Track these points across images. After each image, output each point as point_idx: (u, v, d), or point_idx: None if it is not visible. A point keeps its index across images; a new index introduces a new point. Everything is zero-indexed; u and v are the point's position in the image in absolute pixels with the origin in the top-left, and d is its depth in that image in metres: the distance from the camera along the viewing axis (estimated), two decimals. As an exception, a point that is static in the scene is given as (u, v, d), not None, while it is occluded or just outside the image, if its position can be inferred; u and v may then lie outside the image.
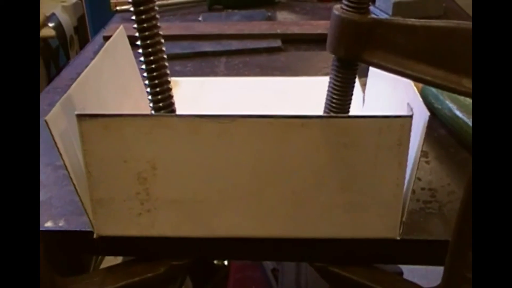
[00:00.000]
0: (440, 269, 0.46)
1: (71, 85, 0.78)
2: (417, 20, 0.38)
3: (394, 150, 0.43)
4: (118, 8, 1.06)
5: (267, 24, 0.97)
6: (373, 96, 0.62)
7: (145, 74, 0.48)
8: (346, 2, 0.41)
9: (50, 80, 1.55)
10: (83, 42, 1.77)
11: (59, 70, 1.57)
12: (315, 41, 0.91)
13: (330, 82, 0.46)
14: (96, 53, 0.91)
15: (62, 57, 1.61)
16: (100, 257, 1.05)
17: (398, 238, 0.46)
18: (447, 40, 0.38)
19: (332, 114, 0.46)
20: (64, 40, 1.59)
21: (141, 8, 0.46)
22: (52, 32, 1.44)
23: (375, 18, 0.40)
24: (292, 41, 0.91)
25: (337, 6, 0.42)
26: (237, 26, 0.95)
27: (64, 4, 1.66)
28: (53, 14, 1.56)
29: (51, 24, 1.50)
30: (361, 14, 0.41)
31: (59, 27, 1.54)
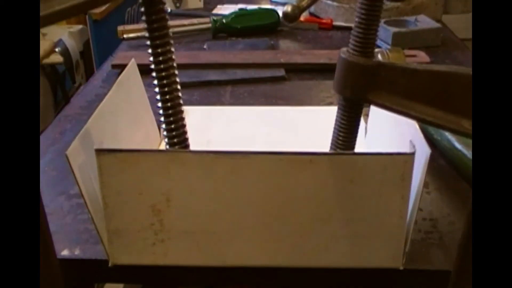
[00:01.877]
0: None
1: (81, 113, 0.82)
2: (419, 64, 0.41)
3: (398, 185, 0.45)
4: (125, 36, 1.09)
5: (271, 53, 1.00)
6: (375, 127, 0.64)
7: (160, 112, 0.50)
8: (352, 46, 0.44)
9: (56, 103, 1.58)
10: (89, 66, 1.80)
11: (65, 94, 1.60)
12: (318, 70, 0.93)
13: (336, 120, 0.48)
14: (104, 81, 0.94)
15: (68, 81, 1.64)
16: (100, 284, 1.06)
17: (401, 268, 0.48)
18: (447, 83, 0.40)
19: (338, 150, 0.49)
20: (70, 65, 1.62)
21: (157, 42, 0.48)
22: (60, 58, 1.47)
23: (380, 61, 0.43)
24: (296, 70, 0.94)
25: (344, 49, 0.45)
26: (242, 55, 0.98)
27: (71, 30, 1.70)
28: (60, 40, 1.59)
29: (58, 50, 1.53)
30: (367, 58, 0.43)
31: (65, 52, 1.58)
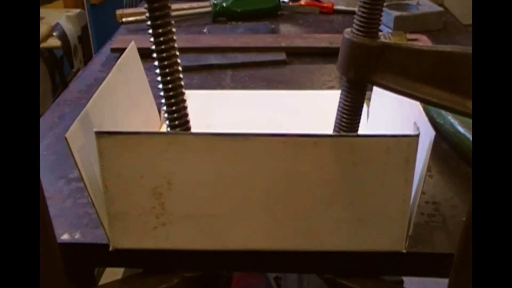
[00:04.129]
0: (438, 279, 0.48)
1: (80, 97, 0.81)
2: (425, 45, 0.40)
3: (401, 167, 0.45)
4: (124, 20, 1.07)
5: (272, 37, 0.99)
6: (377, 111, 0.64)
7: (161, 93, 0.50)
8: (356, 26, 0.43)
9: (55, 88, 1.57)
10: (87, 51, 1.79)
11: (63, 79, 1.59)
12: (319, 54, 0.92)
13: (340, 102, 0.47)
14: (103, 65, 0.93)
15: (66, 66, 1.63)
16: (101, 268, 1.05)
17: (404, 251, 0.48)
18: (453, 64, 0.40)
19: (342, 133, 0.48)
20: (68, 50, 1.61)
21: (158, 22, 0.47)
22: (57, 42, 1.46)
23: (385, 42, 0.42)
24: (297, 54, 0.93)
25: (348, 29, 0.44)
26: (242, 39, 0.97)
27: (68, 13, 1.68)
28: (58, 24, 1.58)
29: (55, 34, 1.51)
30: (371, 38, 0.43)
31: (63, 37, 1.56)
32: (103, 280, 0.96)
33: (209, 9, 1.12)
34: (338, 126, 0.48)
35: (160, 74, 0.48)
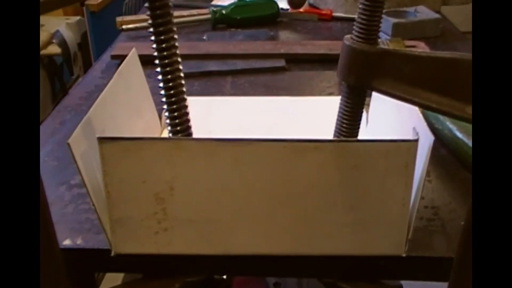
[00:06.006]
0: (438, 283, 0.49)
1: (80, 103, 0.81)
2: (423, 51, 0.41)
3: (401, 172, 0.45)
4: (124, 27, 1.08)
5: (271, 44, 0.99)
6: (376, 117, 0.64)
7: (163, 99, 0.50)
8: (356, 33, 0.44)
9: (54, 95, 1.58)
10: (86, 58, 1.79)
11: (63, 86, 1.59)
12: (318, 61, 0.93)
13: (340, 107, 0.48)
14: (103, 72, 0.94)
15: (65, 73, 1.64)
16: (101, 273, 1.05)
17: (404, 255, 0.48)
18: (451, 70, 0.40)
19: (342, 137, 0.49)
20: (68, 57, 1.61)
21: (160, 28, 0.48)
22: (57, 50, 1.46)
23: (384, 48, 0.43)
24: (296, 60, 0.93)
25: (348, 36, 0.45)
26: (242, 46, 0.97)
27: (68, 21, 1.69)
28: (58, 31, 1.58)
29: (55, 41, 1.52)
30: (371, 44, 0.43)
31: (63, 44, 1.57)
32: (103, 286, 0.96)
33: (209, 16, 1.12)
34: (338, 131, 0.49)
35: (162, 80, 0.49)
